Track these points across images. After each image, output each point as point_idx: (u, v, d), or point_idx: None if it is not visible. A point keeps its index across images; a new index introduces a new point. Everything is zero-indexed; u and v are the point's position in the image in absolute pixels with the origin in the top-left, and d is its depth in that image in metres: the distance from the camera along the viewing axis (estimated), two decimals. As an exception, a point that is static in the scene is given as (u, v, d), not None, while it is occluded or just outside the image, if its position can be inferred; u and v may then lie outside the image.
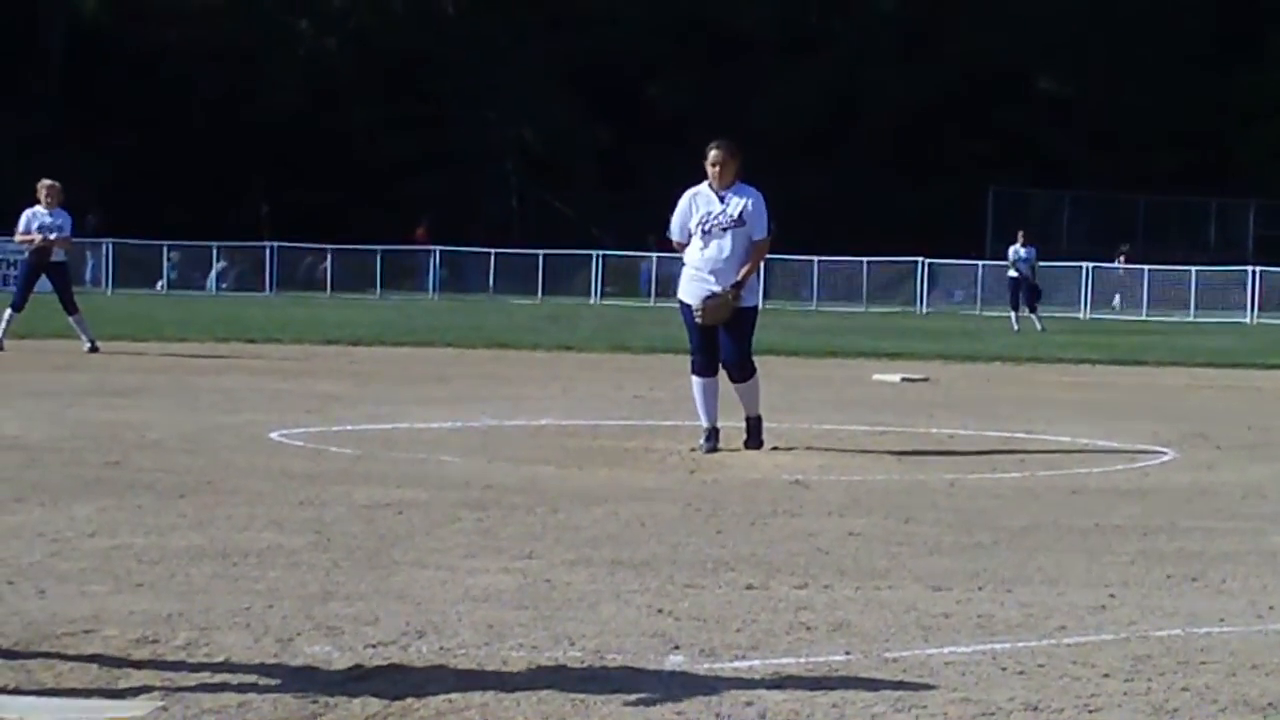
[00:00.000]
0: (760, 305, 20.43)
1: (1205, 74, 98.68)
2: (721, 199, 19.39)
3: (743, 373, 19.58)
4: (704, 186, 19.58)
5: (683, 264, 20.05)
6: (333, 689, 8.62)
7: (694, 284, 19.53)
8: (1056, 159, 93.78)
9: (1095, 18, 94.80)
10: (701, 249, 19.42)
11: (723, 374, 19.71)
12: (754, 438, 19.62)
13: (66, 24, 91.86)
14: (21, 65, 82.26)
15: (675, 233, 19.84)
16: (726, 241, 19.29)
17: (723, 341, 19.44)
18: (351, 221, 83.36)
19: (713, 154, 19.53)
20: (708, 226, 19.40)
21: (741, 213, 19.32)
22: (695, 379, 19.60)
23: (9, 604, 10.40)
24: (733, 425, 19.76)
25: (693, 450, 19.39)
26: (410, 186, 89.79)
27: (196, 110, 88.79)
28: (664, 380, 27.99)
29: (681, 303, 19.85)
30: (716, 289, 19.26)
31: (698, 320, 19.43)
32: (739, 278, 19.20)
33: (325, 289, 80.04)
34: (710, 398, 19.53)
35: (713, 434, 19.44)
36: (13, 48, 79.61)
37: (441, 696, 8.48)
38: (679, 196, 19.81)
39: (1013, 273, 60.13)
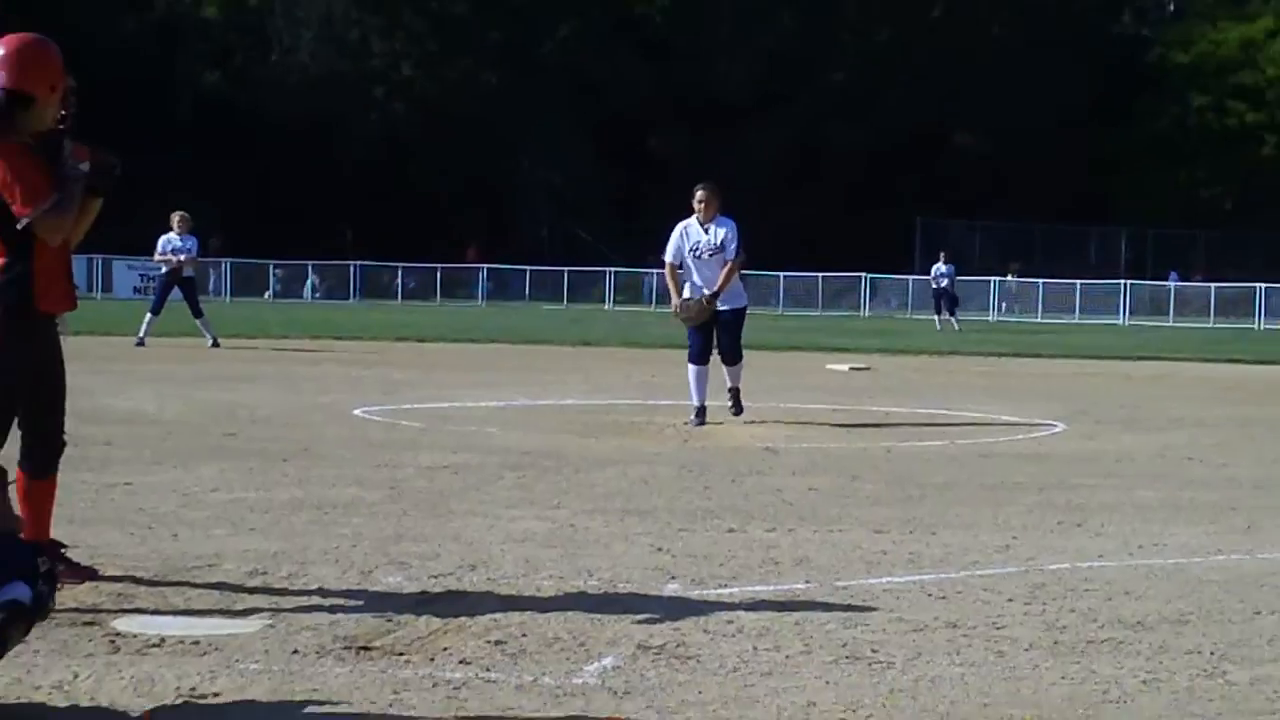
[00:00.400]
0: (746, 308, 20.47)
1: (1082, 132, 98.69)
2: (706, 230, 19.61)
3: (734, 358, 19.89)
4: (692, 220, 19.75)
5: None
6: (403, 610, 8.62)
7: (692, 293, 19.72)
8: (970, 196, 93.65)
9: (999, 88, 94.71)
10: (695, 271, 19.64)
11: (714, 358, 19.83)
12: (736, 404, 19.75)
13: (194, 93, 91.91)
14: (158, 124, 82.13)
15: (670, 256, 20.03)
16: (713, 265, 19.56)
17: (721, 335, 19.70)
18: (418, 244, 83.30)
19: (699, 194, 19.79)
20: (698, 252, 19.64)
21: (722, 240, 19.53)
22: (691, 366, 19.78)
23: (149, 544, 10.39)
24: (716, 404, 19.74)
25: (685, 424, 19.36)
26: (464, 217, 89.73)
27: (295, 157, 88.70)
28: (663, 370, 27.91)
29: (678, 306, 19.90)
30: (718, 305, 19.55)
31: (679, 319, 19.74)
32: (717, 288, 19.34)
33: (397, 298, 79.98)
34: (701, 382, 19.64)
35: (701, 411, 19.48)
36: (152, 110, 79.46)
37: (488, 616, 8.48)
38: (673, 226, 19.95)
39: (935, 285, 60.28)
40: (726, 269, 19.53)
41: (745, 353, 20.12)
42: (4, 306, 8.27)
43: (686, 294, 19.74)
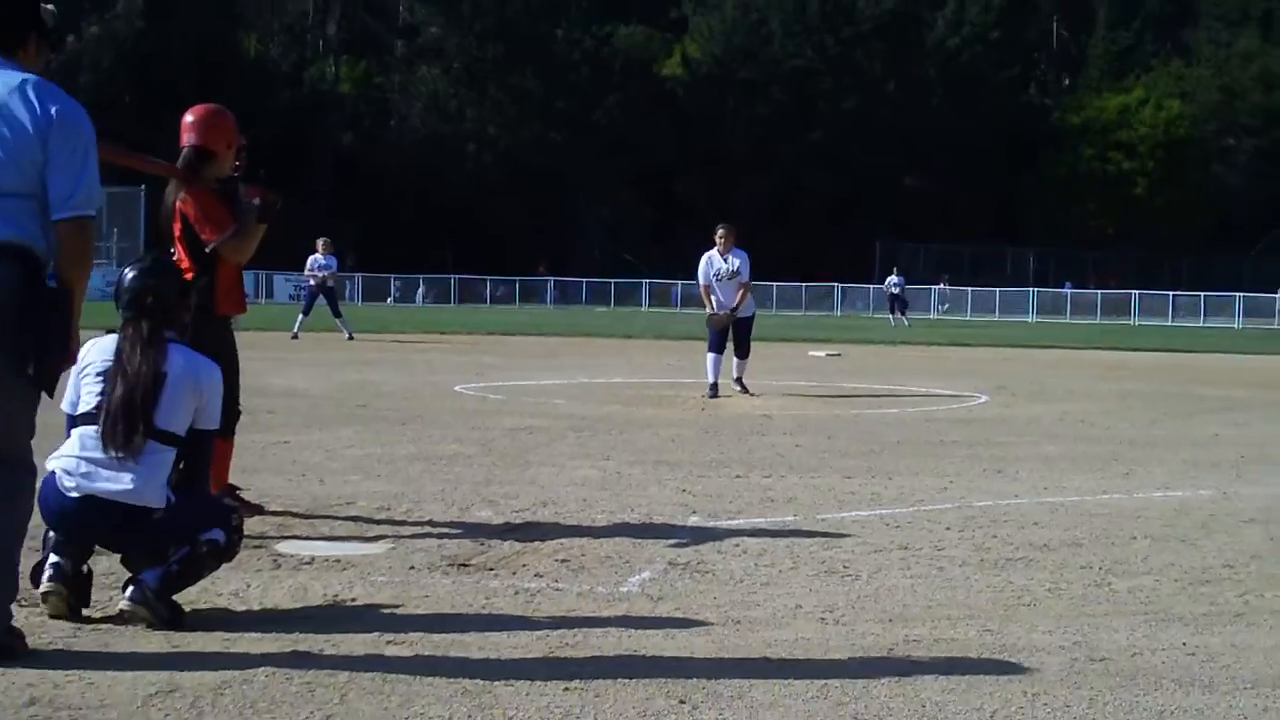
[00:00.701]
0: (755, 314, 20.58)
1: (1001, 176, 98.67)
2: (725, 259, 19.93)
3: (745, 352, 20.17)
4: (714, 251, 20.04)
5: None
6: (491, 536, 8.61)
7: (716, 308, 19.93)
8: (916, 224, 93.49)
9: (937, 143, 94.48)
10: (718, 290, 19.93)
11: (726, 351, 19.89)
12: (743, 389, 19.76)
13: (334, 148, 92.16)
14: (307, 171, 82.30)
15: (702, 279, 20.23)
16: (731, 286, 19.91)
17: (737, 335, 19.96)
18: (502, 262, 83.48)
19: (720, 231, 20.17)
20: (719, 278, 19.95)
21: (737, 269, 19.86)
22: (710, 355, 19.78)
23: (302, 487, 10.40)
24: (724, 383, 19.72)
25: (703, 397, 19.34)
26: (536, 242, 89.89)
27: (410, 196, 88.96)
28: (687, 357, 27.85)
29: (709, 316, 20.08)
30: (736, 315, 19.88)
31: (710, 324, 19.86)
32: (736, 304, 19.70)
33: (486, 302, 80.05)
34: (716, 367, 19.63)
35: (714, 388, 19.46)
36: (303, 161, 79.61)
37: (555, 541, 8.48)
38: (696, 251, 20.57)
39: (889, 291, 60.38)
40: (742, 290, 19.94)
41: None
42: (194, 308, 8.34)
43: (714, 308, 20.03)
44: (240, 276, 8.84)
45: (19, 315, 5.42)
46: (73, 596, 6.30)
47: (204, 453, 6.69)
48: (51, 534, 6.37)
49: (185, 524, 6.37)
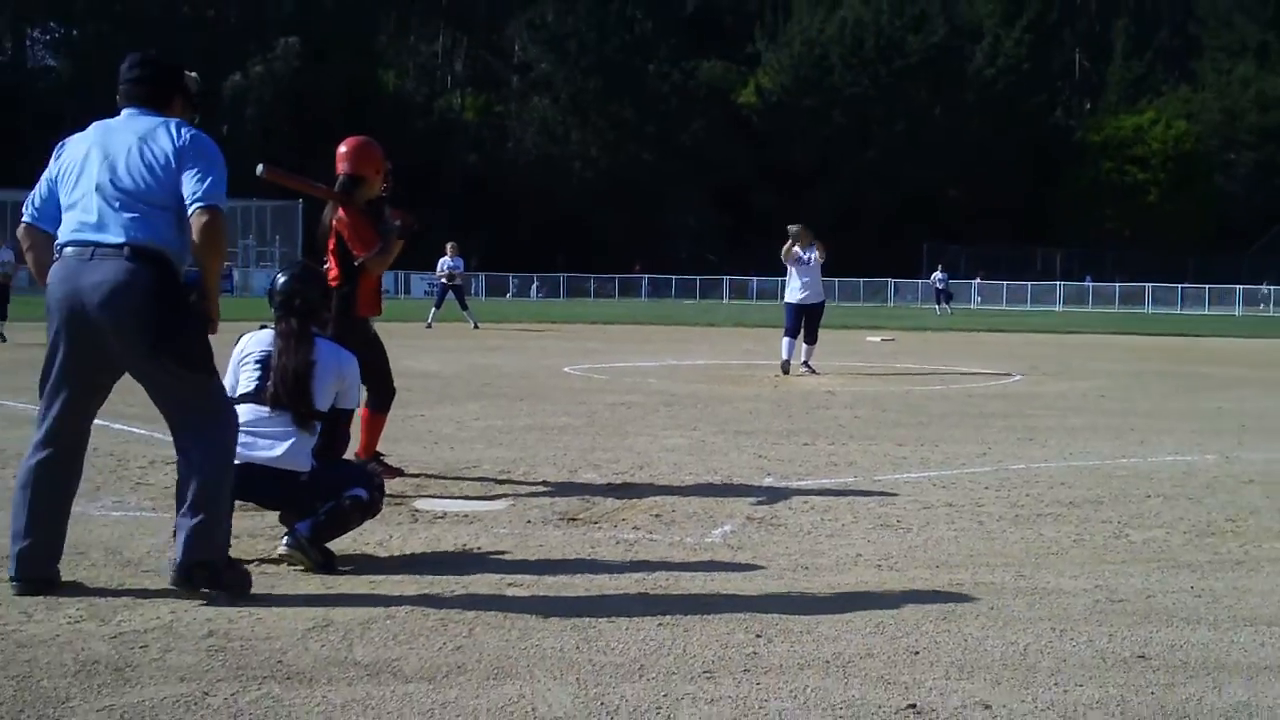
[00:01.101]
0: (824, 303, 20.46)
1: (1031, 188, 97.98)
2: (804, 253, 19.89)
3: (813, 339, 19.95)
4: (794, 247, 19.88)
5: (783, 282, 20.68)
6: (596, 495, 8.63)
7: (794, 296, 19.90)
8: (958, 227, 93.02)
9: (976, 159, 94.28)
10: (795, 276, 19.94)
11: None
12: (810, 369, 19.65)
13: (461, 167, 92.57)
14: (438, 186, 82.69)
15: (784, 259, 20.13)
16: (808, 277, 19.91)
17: (807, 323, 19.81)
18: (604, 262, 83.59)
19: (797, 228, 20.01)
20: (801, 268, 19.88)
21: (817, 259, 19.85)
22: (785, 339, 19.77)
23: (435, 453, 10.46)
24: (794, 364, 19.67)
25: (775, 376, 19.29)
26: (632, 245, 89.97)
27: (524, 207, 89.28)
28: (762, 342, 27.83)
29: (786, 304, 20.04)
30: (809, 300, 19.86)
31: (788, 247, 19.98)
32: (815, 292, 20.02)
33: (591, 296, 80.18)
34: (789, 348, 19.60)
35: (786, 365, 19.44)
36: (434, 178, 79.83)
37: (650, 499, 8.48)
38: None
39: (936, 286, 60.19)
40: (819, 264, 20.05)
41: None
42: (338, 312, 8.46)
43: (787, 295, 20.07)
44: (378, 285, 8.92)
45: (153, 308, 5.58)
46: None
47: (343, 427, 6.90)
48: None
49: (329, 484, 6.49)
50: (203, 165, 5.74)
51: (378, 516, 6.81)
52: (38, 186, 5.95)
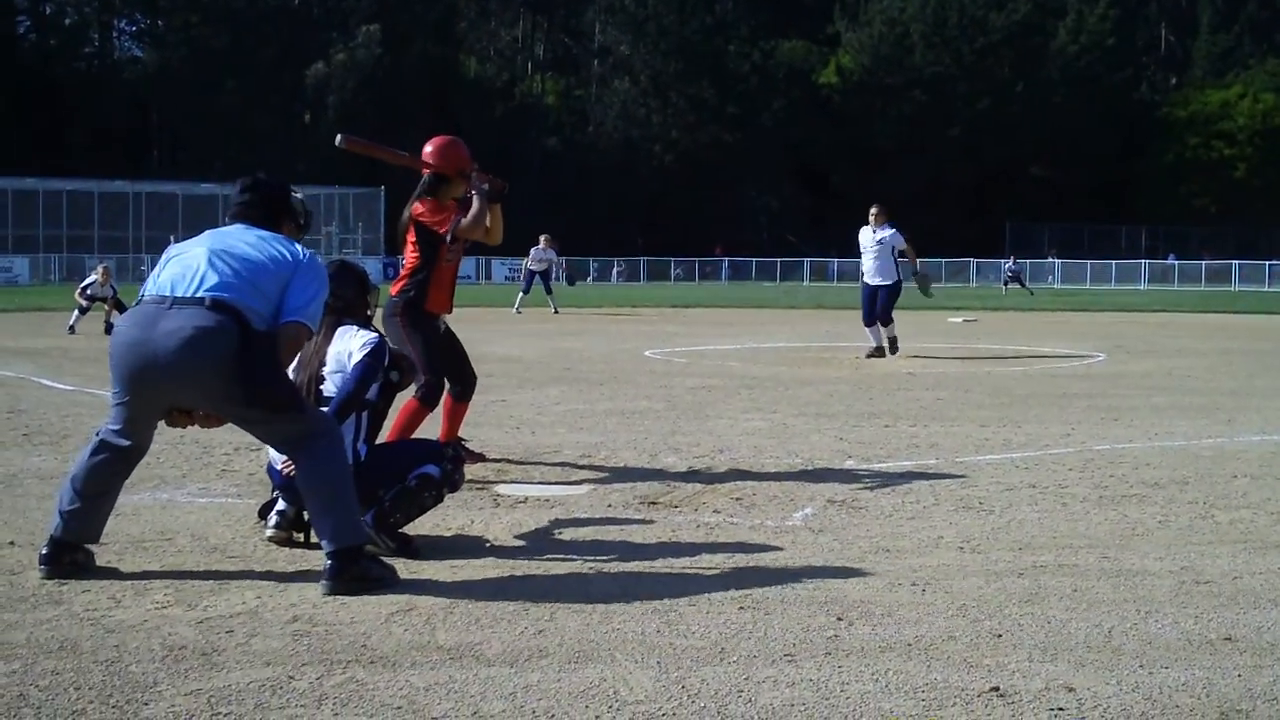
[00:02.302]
0: (899, 282, 20.00)
1: (1116, 164, 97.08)
2: (874, 233, 19.43)
3: (886, 319, 19.36)
4: (867, 227, 19.52)
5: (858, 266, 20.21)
6: (676, 478, 8.64)
7: (867, 275, 19.48)
8: (1041, 205, 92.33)
9: (1060, 135, 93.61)
10: (869, 260, 19.46)
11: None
12: (893, 347, 19.37)
13: (541, 152, 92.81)
14: (520, 172, 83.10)
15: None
16: (879, 254, 19.38)
17: (879, 302, 19.25)
18: (684, 245, 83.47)
19: (873, 210, 19.61)
20: (866, 247, 19.49)
21: (882, 240, 19.38)
22: (867, 329, 19.46)
23: (517, 438, 10.51)
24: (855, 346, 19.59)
25: (857, 358, 19.22)
26: (713, 227, 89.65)
27: (606, 191, 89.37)
28: (843, 324, 27.75)
29: (864, 284, 19.58)
30: (875, 281, 19.29)
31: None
32: (916, 266, 19.93)
33: (670, 279, 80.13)
34: (876, 334, 19.32)
35: (879, 349, 19.29)
36: (515, 164, 79.90)
37: (731, 482, 8.49)
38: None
39: (1006, 275, 60.30)
40: (907, 252, 19.64)
41: (896, 313, 19.74)
42: (405, 302, 8.53)
43: (867, 279, 19.48)
44: (452, 283, 8.90)
45: (238, 357, 5.60)
46: (296, 533, 6.58)
47: (374, 406, 6.69)
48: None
49: (387, 469, 6.50)
50: (315, 286, 5.92)
51: (460, 500, 6.83)
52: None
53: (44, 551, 5.88)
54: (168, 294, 5.71)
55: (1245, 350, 22.17)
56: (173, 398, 5.76)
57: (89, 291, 25.03)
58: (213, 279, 5.70)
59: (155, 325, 5.63)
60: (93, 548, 5.96)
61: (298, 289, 5.81)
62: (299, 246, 6.00)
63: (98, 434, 5.91)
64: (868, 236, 19.53)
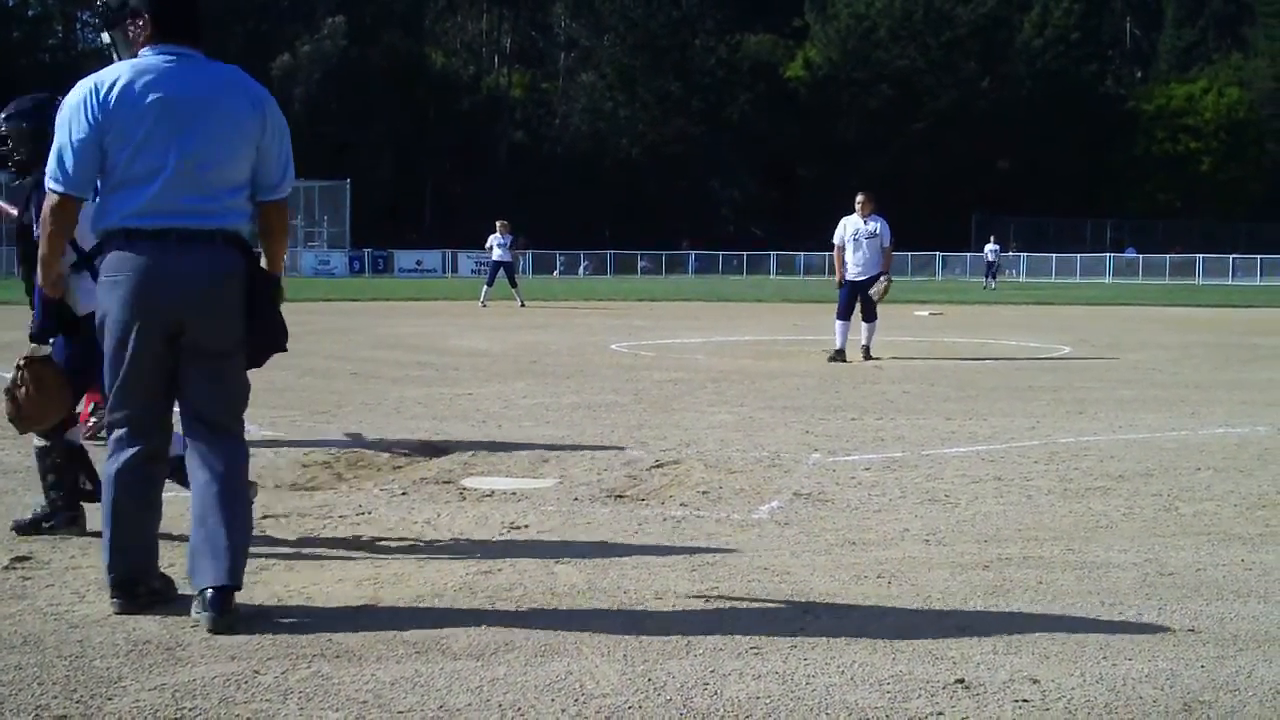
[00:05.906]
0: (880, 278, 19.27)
1: (1081, 158, 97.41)
2: (865, 222, 18.35)
3: (871, 315, 18.41)
4: (854, 215, 18.42)
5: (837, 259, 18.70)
6: (643, 471, 8.64)
7: (851, 271, 18.28)
8: (1007, 199, 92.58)
9: (1026, 130, 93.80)
10: (854, 252, 18.31)
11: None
12: (866, 355, 18.13)
13: (508, 144, 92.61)
14: (482, 164, 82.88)
15: (837, 240, 18.44)
16: (869, 245, 18.27)
17: (864, 299, 18.23)
18: (651, 238, 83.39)
19: (860, 197, 18.54)
20: (857, 238, 18.32)
21: (876, 230, 18.32)
22: (838, 321, 18.16)
23: (483, 431, 10.49)
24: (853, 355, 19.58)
25: (827, 358, 18.72)
26: (679, 220, 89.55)
27: (572, 184, 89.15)
28: (810, 318, 27.78)
29: (847, 281, 18.31)
30: (861, 277, 18.26)
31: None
32: (884, 268, 18.40)
33: (637, 273, 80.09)
34: (843, 333, 18.05)
35: (840, 353, 17.89)
36: (480, 156, 79.79)
37: (699, 475, 8.49)
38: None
39: (987, 259, 60.12)
40: (886, 252, 18.49)
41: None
42: None
43: (850, 273, 18.32)
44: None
45: (246, 301, 5.22)
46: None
47: None
48: None
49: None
50: (284, 147, 5.31)
51: (426, 494, 6.82)
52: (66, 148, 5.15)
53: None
54: (172, 227, 5.15)
55: (1209, 343, 22.29)
56: (177, 340, 5.18)
57: None
58: (212, 203, 5.17)
59: (168, 265, 5.11)
60: (75, 550, 5.85)
61: (270, 161, 5.27)
62: (257, 99, 5.25)
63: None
64: (856, 226, 18.47)
